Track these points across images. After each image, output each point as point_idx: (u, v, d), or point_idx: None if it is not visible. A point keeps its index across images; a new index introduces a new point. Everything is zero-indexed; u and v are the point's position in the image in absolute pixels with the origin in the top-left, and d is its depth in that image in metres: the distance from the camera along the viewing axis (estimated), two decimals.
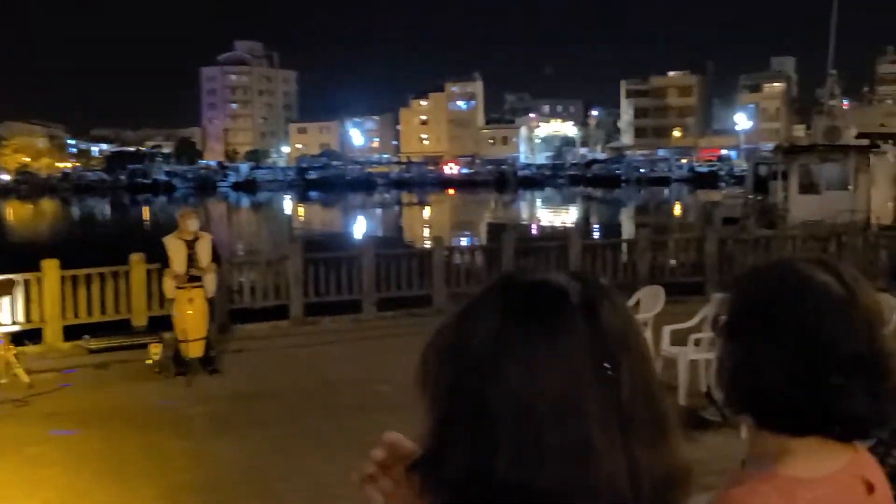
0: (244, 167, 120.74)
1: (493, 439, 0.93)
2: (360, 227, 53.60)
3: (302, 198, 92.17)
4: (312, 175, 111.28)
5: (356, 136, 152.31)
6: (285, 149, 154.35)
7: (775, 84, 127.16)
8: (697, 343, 8.74)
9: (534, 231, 44.99)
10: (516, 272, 1.07)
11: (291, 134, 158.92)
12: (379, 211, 73.53)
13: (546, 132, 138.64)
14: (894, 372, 1.43)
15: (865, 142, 27.52)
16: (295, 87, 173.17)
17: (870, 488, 1.43)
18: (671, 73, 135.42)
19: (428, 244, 28.30)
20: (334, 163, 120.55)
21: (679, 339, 8.93)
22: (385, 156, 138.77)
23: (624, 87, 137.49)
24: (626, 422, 0.95)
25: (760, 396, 1.44)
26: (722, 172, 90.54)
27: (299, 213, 73.97)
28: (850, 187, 24.66)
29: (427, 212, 72.27)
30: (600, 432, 0.93)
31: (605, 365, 0.96)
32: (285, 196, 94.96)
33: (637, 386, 0.97)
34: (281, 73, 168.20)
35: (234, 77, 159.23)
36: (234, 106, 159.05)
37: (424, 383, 1.01)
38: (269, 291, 14.41)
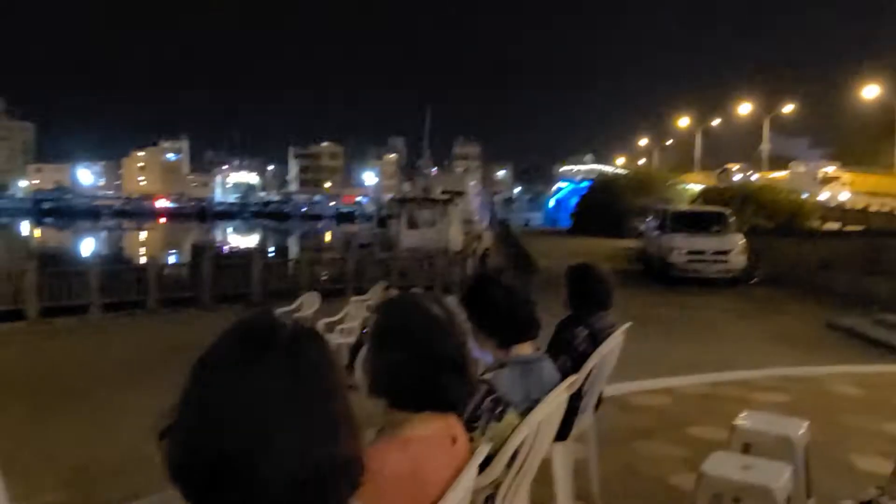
0: None
1: (203, 420, 0.98)
2: (88, 247, 47.80)
3: (37, 223, 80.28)
4: (47, 205, 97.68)
5: (86, 176, 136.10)
6: (23, 183, 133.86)
7: (392, 155, 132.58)
8: (342, 331, 8.89)
9: (227, 251, 42.81)
10: (259, 313, 1.10)
11: (29, 172, 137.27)
12: (104, 234, 66.00)
13: (236, 179, 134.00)
14: (473, 367, 1.62)
15: (446, 196, 29.66)
16: (33, 136, 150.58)
17: (454, 441, 1.58)
18: (324, 143, 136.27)
19: (144, 260, 25.95)
20: (66, 196, 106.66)
21: (330, 328, 9.02)
22: (110, 192, 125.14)
23: (292, 151, 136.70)
24: (307, 422, 0.99)
25: (396, 389, 1.54)
26: (357, 213, 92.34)
27: (36, 235, 64.56)
28: (437, 226, 26.27)
29: (144, 235, 66.32)
30: (280, 424, 0.97)
31: (295, 382, 1.00)
32: (22, 221, 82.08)
33: (322, 398, 1.02)
34: (19, 124, 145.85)
35: None
36: None
37: None
38: (8, 297, 12.48)
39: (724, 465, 3.07)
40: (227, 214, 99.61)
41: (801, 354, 8.91)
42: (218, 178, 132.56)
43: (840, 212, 30.31)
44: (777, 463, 3.13)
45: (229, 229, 77.05)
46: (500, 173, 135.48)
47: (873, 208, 28.95)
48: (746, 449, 3.47)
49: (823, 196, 35.06)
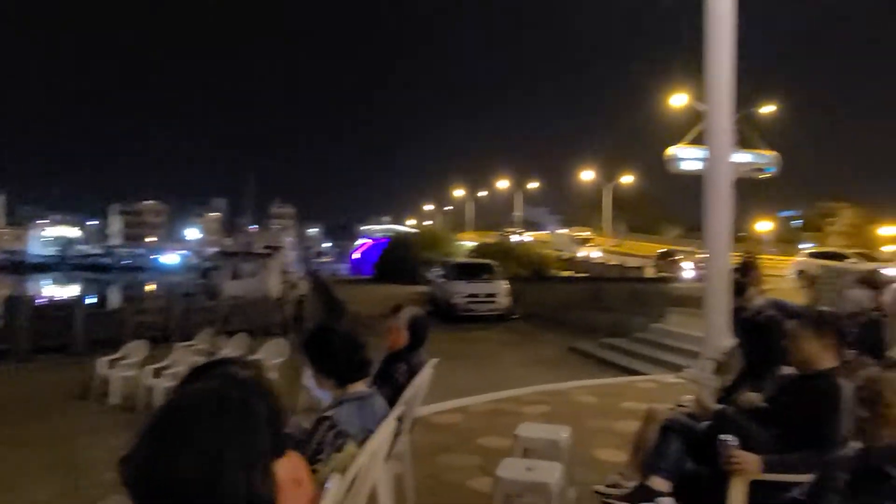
0: None
1: (166, 447, 0.94)
2: None
3: None
4: None
5: None
6: None
7: (213, 213, 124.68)
8: (169, 376, 8.04)
9: (45, 302, 36.68)
10: (230, 372, 1.09)
11: None
12: None
13: (55, 234, 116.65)
14: (286, 419, 1.31)
15: (266, 251, 28.50)
16: None
17: (299, 483, 1.29)
18: (148, 202, 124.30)
19: None
20: None
21: (157, 374, 8.11)
22: None
23: (116, 207, 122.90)
24: (250, 459, 0.97)
25: None
26: (182, 263, 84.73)
27: None
28: (258, 276, 25.10)
29: None
30: (231, 460, 0.95)
31: (245, 428, 0.98)
32: None
33: (266, 440, 1.00)
34: None
35: None
36: None
37: None
38: None
39: (512, 469, 3.22)
40: (45, 267, 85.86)
41: (553, 373, 9.68)
42: (35, 232, 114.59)
43: (573, 263, 33.85)
44: (550, 463, 3.36)
45: (47, 281, 66.44)
46: (312, 230, 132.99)
47: (599, 261, 32.83)
48: (527, 453, 3.69)
49: (581, 253, 38.56)
